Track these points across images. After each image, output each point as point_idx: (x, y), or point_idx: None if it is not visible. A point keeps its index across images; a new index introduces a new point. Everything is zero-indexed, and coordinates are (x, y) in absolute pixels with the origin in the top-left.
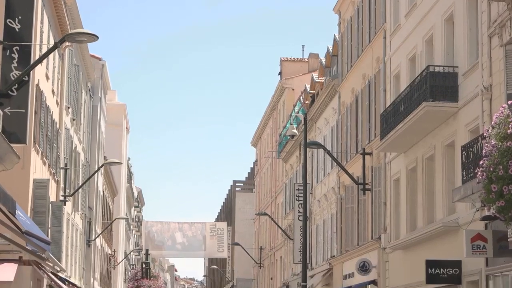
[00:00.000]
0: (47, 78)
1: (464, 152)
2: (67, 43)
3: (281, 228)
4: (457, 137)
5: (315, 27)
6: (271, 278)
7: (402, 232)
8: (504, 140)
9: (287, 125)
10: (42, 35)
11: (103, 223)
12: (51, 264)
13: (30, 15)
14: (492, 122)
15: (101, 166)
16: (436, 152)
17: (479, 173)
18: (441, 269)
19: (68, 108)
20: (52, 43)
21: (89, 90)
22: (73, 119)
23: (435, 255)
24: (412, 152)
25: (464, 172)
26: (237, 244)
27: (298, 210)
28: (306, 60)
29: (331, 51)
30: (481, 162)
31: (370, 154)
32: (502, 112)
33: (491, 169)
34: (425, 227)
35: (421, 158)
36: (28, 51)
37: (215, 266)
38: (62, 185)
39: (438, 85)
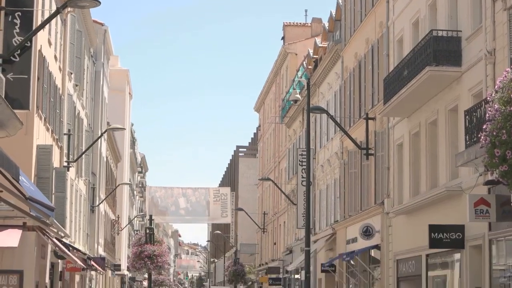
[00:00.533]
0: (50, 43)
1: (467, 117)
2: (69, 9)
3: (284, 193)
4: (460, 102)
5: None
6: (275, 243)
7: (405, 197)
8: (507, 104)
9: (290, 90)
10: (44, 0)
11: (106, 188)
12: (55, 230)
13: None
14: (496, 86)
15: (104, 132)
16: (440, 116)
17: (482, 137)
18: (444, 234)
19: (71, 73)
20: (54, 8)
21: (91, 56)
22: (76, 85)
23: (438, 220)
24: (416, 117)
25: (467, 137)
26: (241, 209)
27: (302, 175)
28: (309, 24)
29: (334, 15)
30: (484, 127)
31: (373, 119)
32: (505, 76)
33: (494, 134)
34: (428, 192)
35: (424, 122)
36: (30, 16)
37: (218, 231)
38: (65, 151)
39: (441, 50)
